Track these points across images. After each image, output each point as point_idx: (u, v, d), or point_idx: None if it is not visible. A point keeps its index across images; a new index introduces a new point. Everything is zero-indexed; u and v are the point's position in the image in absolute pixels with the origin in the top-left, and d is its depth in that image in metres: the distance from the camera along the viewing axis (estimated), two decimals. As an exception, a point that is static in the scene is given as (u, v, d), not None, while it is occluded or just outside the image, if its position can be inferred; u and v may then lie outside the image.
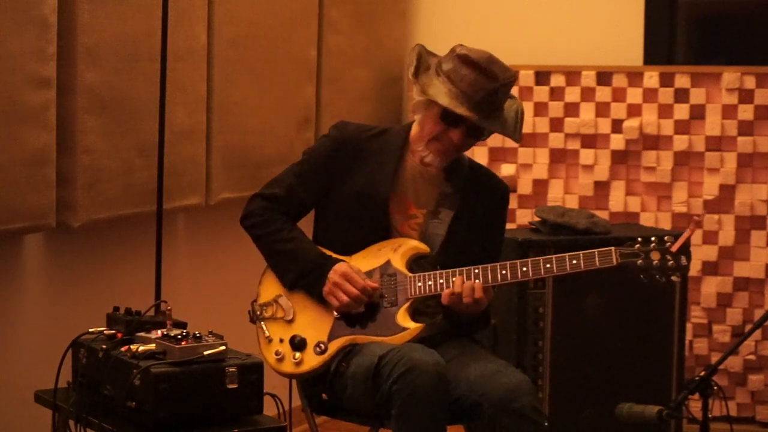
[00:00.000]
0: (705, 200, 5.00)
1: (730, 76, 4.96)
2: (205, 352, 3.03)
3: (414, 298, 3.29)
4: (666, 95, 5.04)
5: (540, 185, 5.17)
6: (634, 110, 5.07)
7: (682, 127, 5.03)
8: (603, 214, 4.94)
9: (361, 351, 3.25)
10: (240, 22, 4.37)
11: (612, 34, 5.26)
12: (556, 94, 5.16)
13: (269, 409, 3.16)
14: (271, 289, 3.41)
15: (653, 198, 5.07)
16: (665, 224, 5.01)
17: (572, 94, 5.13)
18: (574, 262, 3.19)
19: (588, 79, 5.11)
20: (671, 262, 3.20)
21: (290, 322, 3.37)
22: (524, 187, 5.13)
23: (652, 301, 4.31)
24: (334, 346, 3.30)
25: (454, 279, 3.23)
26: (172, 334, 3.09)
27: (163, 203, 3.78)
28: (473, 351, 3.36)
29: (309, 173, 3.42)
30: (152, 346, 3.06)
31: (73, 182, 3.71)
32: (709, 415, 2.99)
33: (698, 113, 5.01)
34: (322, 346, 3.30)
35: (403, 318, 3.28)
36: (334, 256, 3.36)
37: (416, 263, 3.34)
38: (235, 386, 3.05)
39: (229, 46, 4.33)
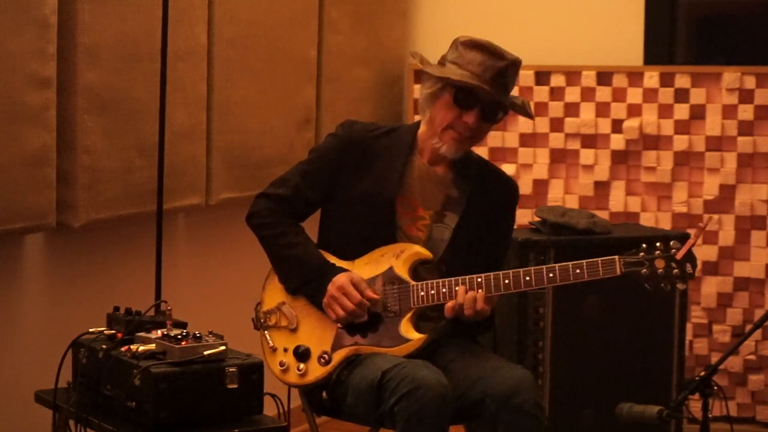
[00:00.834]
0: (705, 200, 5.00)
1: (730, 76, 4.96)
2: (205, 352, 3.03)
3: (416, 308, 3.28)
4: (666, 95, 5.04)
5: (540, 185, 5.17)
6: (634, 110, 5.07)
7: (682, 127, 5.03)
8: (603, 214, 4.94)
9: (364, 362, 3.24)
10: (240, 22, 4.37)
11: (612, 34, 5.26)
12: (556, 94, 5.16)
13: (269, 409, 3.16)
14: (274, 295, 3.40)
15: (653, 198, 5.07)
16: (665, 224, 5.01)
17: (572, 94, 5.13)
18: (578, 271, 3.18)
19: (588, 79, 5.11)
20: (676, 270, 3.17)
21: (294, 330, 3.36)
22: (524, 187, 5.12)
23: (652, 301, 4.30)
24: (338, 356, 3.30)
25: (456, 288, 3.22)
26: (172, 334, 3.09)
27: (163, 203, 3.78)
28: (474, 350, 3.36)
29: (315, 173, 3.40)
30: (152, 346, 3.06)
31: (73, 182, 3.71)
32: (709, 415, 3.00)
33: (698, 113, 5.01)
34: (326, 356, 3.30)
35: (406, 328, 3.27)
36: (338, 263, 3.34)
37: (420, 268, 3.32)
38: (235, 386, 3.05)
39: (229, 46, 4.33)
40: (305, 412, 3.43)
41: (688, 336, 4.85)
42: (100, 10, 3.72)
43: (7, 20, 3.41)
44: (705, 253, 4.98)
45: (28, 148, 3.52)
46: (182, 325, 3.24)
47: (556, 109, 5.14)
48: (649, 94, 5.05)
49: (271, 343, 3.37)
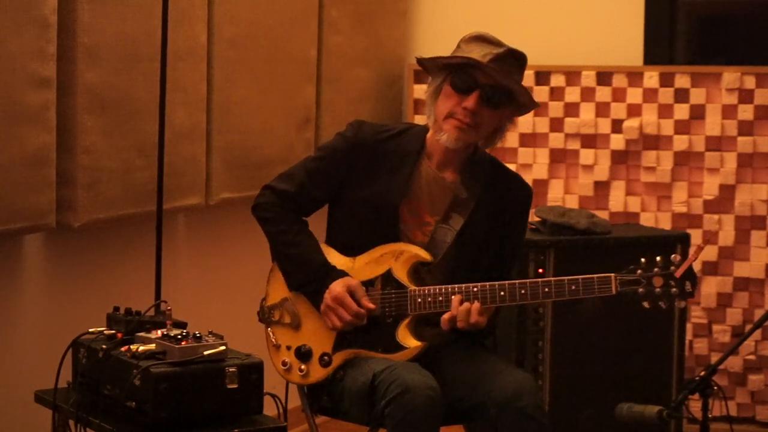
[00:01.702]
0: (705, 200, 5.00)
1: (730, 76, 4.96)
2: (205, 352, 3.03)
3: (414, 315, 3.27)
4: (666, 95, 5.04)
5: (540, 185, 5.17)
6: (634, 110, 5.07)
7: (682, 127, 5.03)
8: (603, 214, 4.94)
9: (358, 364, 3.25)
10: (240, 22, 4.37)
11: (612, 34, 5.26)
12: (556, 94, 5.16)
13: (269, 409, 3.16)
14: (278, 290, 3.40)
15: (653, 198, 5.07)
16: (665, 224, 5.01)
17: (572, 94, 5.13)
18: (573, 288, 3.15)
19: (588, 79, 5.11)
20: (675, 288, 3.15)
21: (296, 328, 3.36)
22: (524, 187, 5.12)
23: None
24: (338, 358, 3.30)
25: (453, 297, 3.20)
26: (172, 334, 3.08)
27: (163, 203, 3.78)
28: (475, 352, 3.35)
29: (321, 172, 3.36)
30: (152, 346, 3.06)
31: (73, 182, 3.71)
32: (709, 415, 2.99)
33: (698, 113, 5.01)
34: (326, 358, 3.30)
35: (403, 335, 3.26)
36: (339, 263, 3.33)
37: (421, 270, 3.31)
38: (235, 386, 3.05)
39: (229, 46, 4.33)
40: (305, 412, 3.43)
41: (688, 336, 4.86)
42: (100, 10, 3.72)
43: (7, 20, 3.41)
44: (705, 253, 4.97)
45: (28, 148, 3.52)
46: (182, 325, 3.23)
47: (556, 109, 5.14)
48: (649, 94, 5.05)
49: (274, 341, 3.37)
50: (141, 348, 3.05)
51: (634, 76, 5.08)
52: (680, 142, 5.02)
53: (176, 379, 2.97)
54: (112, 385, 3.06)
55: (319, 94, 4.89)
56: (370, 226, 3.32)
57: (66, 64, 3.65)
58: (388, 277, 3.29)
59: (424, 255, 3.29)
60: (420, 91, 5.21)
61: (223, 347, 3.06)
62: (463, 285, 3.20)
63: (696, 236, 4.93)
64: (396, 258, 3.29)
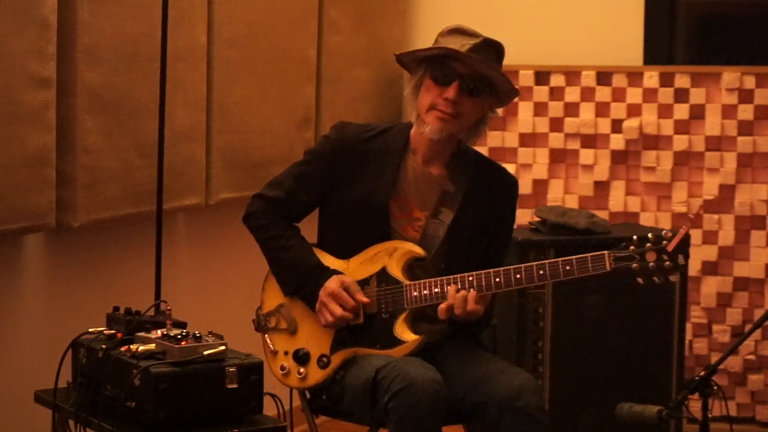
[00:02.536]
0: (705, 200, 5.00)
1: (730, 76, 4.96)
2: (205, 352, 3.03)
3: (410, 309, 3.28)
4: (666, 95, 5.04)
5: (540, 185, 5.17)
6: (634, 110, 5.07)
7: (682, 127, 5.03)
8: (603, 214, 4.94)
9: (358, 362, 3.25)
10: (240, 22, 4.37)
11: (612, 34, 5.26)
12: (556, 94, 5.16)
13: (269, 409, 3.16)
14: (273, 297, 3.41)
15: (653, 198, 5.07)
16: (665, 224, 5.01)
17: (572, 94, 5.13)
18: (567, 268, 3.15)
19: (588, 79, 5.11)
20: (668, 262, 3.14)
21: (293, 333, 3.36)
22: (524, 187, 5.12)
23: (652, 300, 4.31)
24: (336, 359, 3.30)
25: (448, 287, 3.20)
26: (172, 334, 3.08)
27: (163, 203, 3.78)
28: (475, 352, 3.35)
29: (309, 176, 3.39)
30: (152, 346, 3.06)
31: (73, 182, 3.71)
32: (709, 415, 2.99)
33: (698, 113, 5.01)
34: (325, 359, 3.30)
35: (401, 329, 3.26)
36: (332, 264, 3.34)
37: (415, 266, 3.32)
38: (235, 386, 3.05)
39: (229, 46, 4.33)
40: (305, 412, 3.43)
41: (688, 336, 4.85)
42: (100, 10, 3.72)
43: (7, 20, 3.41)
44: (705, 253, 4.98)
45: (28, 148, 3.52)
46: (182, 325, 3.24)
47: (555, 109, 5.14)
48: (649, 94, 5.05)
49: (271, 347, 3.38)
50: (141, 348, 3.05)
51: (634, 76, 5.08)
52: (680, 142, 5.02)
53: (176, 378, 2.97)
54: (112, 385, 3.06)
55: (318, 94, 4.90)
56: (361, 226, 3.33)
57: (66, 64, 3.65)
58: (383, 275, 3.29)
59: (418, 251, 3.30)
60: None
61: (223, 347, 3.06)
62: (458, 275, 3.20)
63: (696, 236, 4.93)
64: (390, 255, 3.30)
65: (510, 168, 5.07)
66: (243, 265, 4.43)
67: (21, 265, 3.77)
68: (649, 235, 3.17)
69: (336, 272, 3.31)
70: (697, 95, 5.01)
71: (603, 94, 5.10)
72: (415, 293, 3.25)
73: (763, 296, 4.96)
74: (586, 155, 5.12)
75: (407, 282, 3.27)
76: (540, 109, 5.15)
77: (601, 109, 5.11)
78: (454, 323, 3.29)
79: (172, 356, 3.01)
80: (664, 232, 3.17)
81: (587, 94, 5.12)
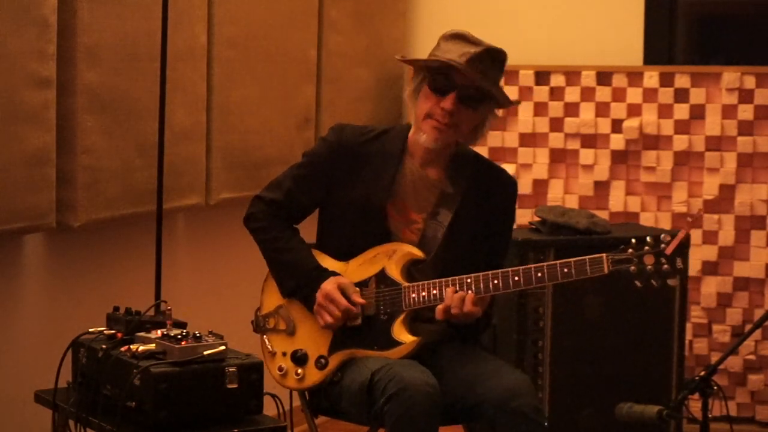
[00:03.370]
0: (705, 200, 5.00)
1: (730, 76, 4.96)
2: (205, 352, 3.03)
3: (409, 310, 3.28)
4: (666, 95, 5.04)
5: (540, 185, 5.17)
6: (634, 110, 5.07)
7: (682, 127, 5.03)
8: (603, 214, 4.94)
9: (355, 364, 3.25)
10: (240, 22, 4.37)
11: (612, 34, 5.26)
12: (556, 94, 5.16)
13: (269, 409, 3.16)
14: (272, 298, 3.40)
15: (653, 198, 5.07)
16: (665, 224, 5.01)
17: (572, 94, 5.13)
18: (566, 270, 3.15)
19: (588, 79, 5.11)
20: (666, 266, 3.13)
21: (291, 334, 3.36)
22: (524, 187, 5.12)
23: (652, 300, 4.31)
24: (334, 360, 3.30)
25: (446, 289, 3.20)
26: (172, 334, 3.08)
27: (163, 203, 3.78)
28: (473, 352, 3.35)
29: (307, 178, 3.38)
30: (152, 346, 3.06)
31: (73, 182, 3.71)
32: (709, 415, 2.99)
33: (698, 113, 5.01)
34: (323, 360, 3.30)
35: (398, 331, 3.26)
36: (331, 266, 3.34)
37: (413, 268, 3.31)
38: (235, 386, 3.05)
39: (229, 46, 4.33)
40: (304, 412, 3.43)
41: (688, 336, 4.86)
42: (100, 10, 3.72)
43: (7, 20, 3.42)
44: (705, 253, 4.98)
45: (28, 148, 3.52)
46: (182, 325, 3.24)
47: (555, 109, 5.15)
48: (649, 94, 5.05)
49: (270, 348, 3.38)
50: (141, 348, 3.05)
51: (634, 76, 5.08)
52: (680, 142, 5.02)
53: (176, 378, 2.97)
54: (112, 385, 3.06)
55: (319, 94, 4.90)
56: (359, 228, 3.32)
57: (66, 64, 3.65)
58: (381, 276, 3.29)
59: (417, 253, 3.30)
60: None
61: (223, 347, 3.06)
62: (456, 277, 3.20)
63: (696, 236, 4.93)
64: (389, 257, 3.30)
65: (510, 168, 5.11)
66: (243, 265, 4.43)
67: (21, 265, 3.77)
68: (648, 238, 3.16)
69: (334, 274, 3.31)
70: (697, 95, 5.01)
71: (603, 94, 5.10)
72: (414, 295, 3.25)
73: (763, 296, 4.96)
74: (586, 155, 5.12)
75: (406, 284, 3.27)
76: (540, 109, 5.15)
77: (601, 109, 5.11)
78: (452, 325, 3.29)
79: (172, 356, 3.01)
80: (662, 235, 3.16)
81: (587, 94, 5.12)
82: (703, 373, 2.99)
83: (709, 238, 4.99)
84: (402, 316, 3.26)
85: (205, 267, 4.53)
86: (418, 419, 3.02)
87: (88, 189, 3.74)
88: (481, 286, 3.18)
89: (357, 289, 3.28)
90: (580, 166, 5.13)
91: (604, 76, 5.11)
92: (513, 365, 3.73)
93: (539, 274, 3.16)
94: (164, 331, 3.13)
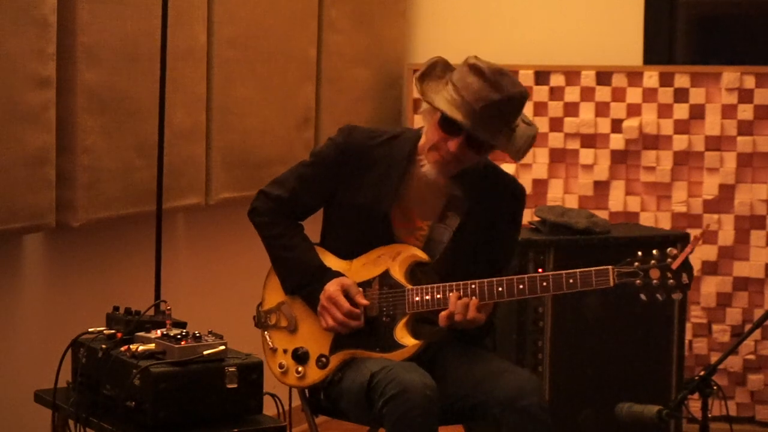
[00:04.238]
0: (705, 200, 5.00)
1: (729, 76, 4.96)
2: (205, 352, 3.03)
3: (411, 313, 3.27)
4: (666, 95, 5.04)
5: (540, 185, 5.17)
6: (633, 110, 5.07)
7: (681, 127, 5.03)
8: (603, 214, 4.94)
9: (355, 365, 3.25)
10: (240, 22, 4.37)
11: (612, 34, 5.26)
12: (556, 93, 5.16)
13: (269, 409, 3.16)
14: (275, 294, 3.40)
15: (653, 198, 5.07)
16: (665, 224, 5.01)
17: (572, 94, 5.13)
18: (571, 281, 3.15)
19: (588, 78, 5.11)
20: (671, 280, 3.13)
21: (293, 332, 3.36)
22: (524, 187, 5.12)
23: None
24: (335, 359, 3.30)
25: (450, 294, 3.19)
26: (171, 333, 3.08)
27: (162, 203, 3.78)
28: (477, 352, 3.35)
29: (313, 178, 3.37)
30: (152, 345, 3.06)
31: (73, 182, 3.71)
32: (709, 415, 3.00)
33: (698, 113, 5.01)
34: (323, 359, 3.30)
35: (401, 334, 3.26)
36: (335, 265, 3.33)
37: (417, 270, 3.31)
38: (235, 386, 3.05)
39: (229, 46, 4.33)
40: (304, 412, 3.43)
41: (688, 336, 4.86)
42: (100, 10, 3.72)
43: (7, 20, 3.42)
44: (705, 252, 4.98)
45: (28, 148, 3.52)
46: (182, 324, 3.24)
47: (555, 108, 5.15)
48: (649, 94, 5.05)
49: (270, 344, 3.38)
50: (141, 348, 3.05)
51: (634, 76, 5.08)
52: (680, 142, 5.02)
53: (176, 378, 2.97)
54: (112, 385, 3.06)
55: (318, 93, 4.90)
56: (363, 232, 3.32)
57: (66, 64, 3.65)
58: (385, 278, 3.29)
59: (422, 255, 3.29)
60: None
61: (222, 347, 3.06)
62: (461, 282, 3.20)
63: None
64: (393, 258, 3.29)
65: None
66: (243, 264, 4.44)
67: (21, 265, 3.77)
68: (654, 251, 3.16)
69: (337, 274, 3.31)
70: (697, 95, 5.01)
71: (603, 93, 5.10)
72: (417, 298, 3.25)
73: (762, 296, 4.96)
74: (586, 155, 5.12)
75: (409, 286, 3.26)
76: (540, 108, 5.15)
77: (601, 109, 5.11)
78: (455, 330, 3.28)
79: (172, 356, 3.01)
80: (669, 249, 3.16)
81: (587, 94, 5.12)
82: (702, 373, 2.99)
83: (709, 238, 4.99)
84: (405, 319, 3.26)
85: (205, 267, 4.53)
86: (416, 421, 3.03)
87: (88, 189, 3.74)
88: (486, 292, 3.18)
89: (360, 290, 3.28)
90: (580, 166, 5.13)
91: (603, 76, 5.11)
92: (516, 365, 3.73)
93: (544, 284, 3.16)
94: (164, 330, 3.13)
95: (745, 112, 4.96)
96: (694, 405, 3.16)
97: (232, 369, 3.05)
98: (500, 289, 3.18)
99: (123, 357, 3.05)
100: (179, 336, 3.06)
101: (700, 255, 4.95)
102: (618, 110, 5.08)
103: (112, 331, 3.20)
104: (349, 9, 5.02)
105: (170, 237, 4.23)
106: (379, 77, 5.29)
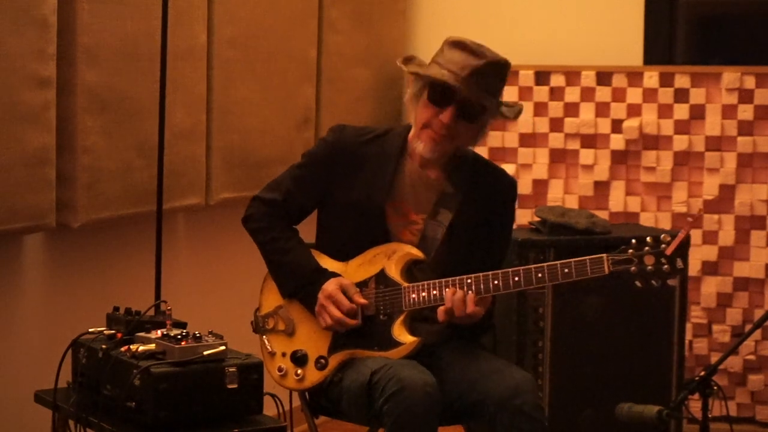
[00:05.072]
0: (705, 200, 5.00)
1: (730, 76, 4.96)
2: (205, 352, 3.03)
3: (408, 311, 3.27)
4: (666, 95, 5.04)
5: (540, 185, 5.17)
6: (633, 110, 5.07)
7: (682, 127, 5.03)
8: (603, 214, 4.94)
9: (355, 364, 3.25)
10: (240, 22, 4.37)
11: (612, 34, 5.26)
12: (556, 94, 5.16)
13: (269, 409, 3.16)
14: (272, 299, 3.41)
15: (653, 198, 5.07)
16: (665, 224, 5.01)
17: (572, 94, 5.13)
18: (566, 271, 3.15)
19: (588, 79, 5.11)
20: (666, 266, 3.14)
21: (291, 335, 3.36)
22: (524, 187, 5.12)
23: (653, 301, 4.30)
24: (334, 360, 3.30)
25: (446, 290, 3.19)
26: (171, 334, 3.08)
27: (163, 203, 3.78)
28: (474, 351, 3.35)
29: (306, 179, 3.39)
30: (152, 346, 3.06)
31: (73, 182, 3.71)
32: (709, 415, 2.99)
33: (698, 113, 5.01)
34: (322, 361, 3.30)
35: (399, 331, 3.26)
36: (331, 266, 3.34)
37: (414, 268, 3.31)
38: (235, 386, 3.05)
39: (229, 46, 4.33)
40: (304, 412, 3.43)
41: (688, 336, 4.85)
42: (100, 10, 3.72)
43: (7, 20, 3.42)
44: (705, 253, 4.98)
45: (28, 148, 3.52)
46: (182, 325, 3.24)
47: (555, 109, 5.15)
48: (649, 94, 5.05)
49: (269, 348, 3.38)
50: (141, 348, 3.05)
51: (634, 76, 5.08)
52: (680, 142, 5.02)
53: (176, 379, 2.97)
54: (112, 385, 3.06)
55: (318, 93, 4.90)
56: (358, 229, 3.33)
57: (66, 64, 3.65)
58: (381, 277, 3.29)
59: (417, 253, 3.30)
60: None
61: (222, 347, 3.06)
62: (456, 278, 3.20)
63: (696, 236, 4.93)
64: (389, 257, 3.30)
65: (510, 168, 5.11)
66: (243, 265, 4.43)
67: (21, 265, 3.77)
68: (648, 238, 3.17)
69: (334, 274, 3.31)
70: (697, 95, 5.01)
71: (603, 94, 5.10)
72: (414, 295, 3.25)
73: (763, 296, 4.96)
74: (586, 155, 5.12)
75: (406, 284, 3.27)
76: (540, 109, 5.15)
77: (601, 109, 5.11)
78: (454, 326, 3.29)
79: (172, 356, 3.01)
80: (662, 235, 3.17)
81: (587, 94, 5.12)
82: (703, 373, 2.99)
83: (709, 238, 4.99)
84: (402, 317, 3.27)
85: (205, 267, 4.53)
86: (417, 419, 3.03)
87: (88, 189, 3.74)
88: (482, 286, 3.18)
89: (358, 289, 3.28)
90: (580, 166, 5.13)
91: (604, 76, 5.11)
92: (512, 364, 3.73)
93: (539, 275, 3.16)
94: (164, 331, 3.13)
95: (746, 112, 4.96)
96: (695, 405, 3.16)
97: (232, 369, 3.05)
98: (496, 282, 3.18)
99: (123, 357, 3.05)
100: (179, 336, 3.06)
101: (700, 255, 4.96)
102: (618, 110, 5.08)
103: (113, 332, 3.20)
104: (349, 9, 5.02)
105: (170, 237, 4.23)
106: (379, 77, 5.29)
